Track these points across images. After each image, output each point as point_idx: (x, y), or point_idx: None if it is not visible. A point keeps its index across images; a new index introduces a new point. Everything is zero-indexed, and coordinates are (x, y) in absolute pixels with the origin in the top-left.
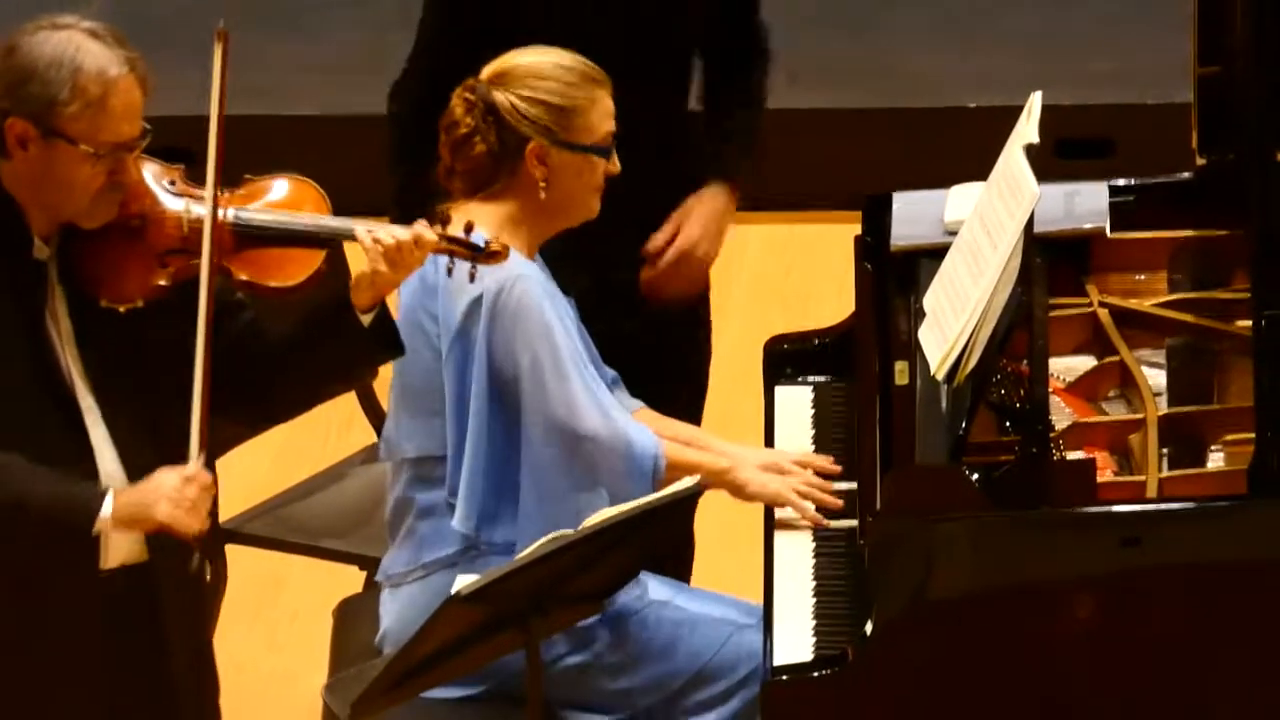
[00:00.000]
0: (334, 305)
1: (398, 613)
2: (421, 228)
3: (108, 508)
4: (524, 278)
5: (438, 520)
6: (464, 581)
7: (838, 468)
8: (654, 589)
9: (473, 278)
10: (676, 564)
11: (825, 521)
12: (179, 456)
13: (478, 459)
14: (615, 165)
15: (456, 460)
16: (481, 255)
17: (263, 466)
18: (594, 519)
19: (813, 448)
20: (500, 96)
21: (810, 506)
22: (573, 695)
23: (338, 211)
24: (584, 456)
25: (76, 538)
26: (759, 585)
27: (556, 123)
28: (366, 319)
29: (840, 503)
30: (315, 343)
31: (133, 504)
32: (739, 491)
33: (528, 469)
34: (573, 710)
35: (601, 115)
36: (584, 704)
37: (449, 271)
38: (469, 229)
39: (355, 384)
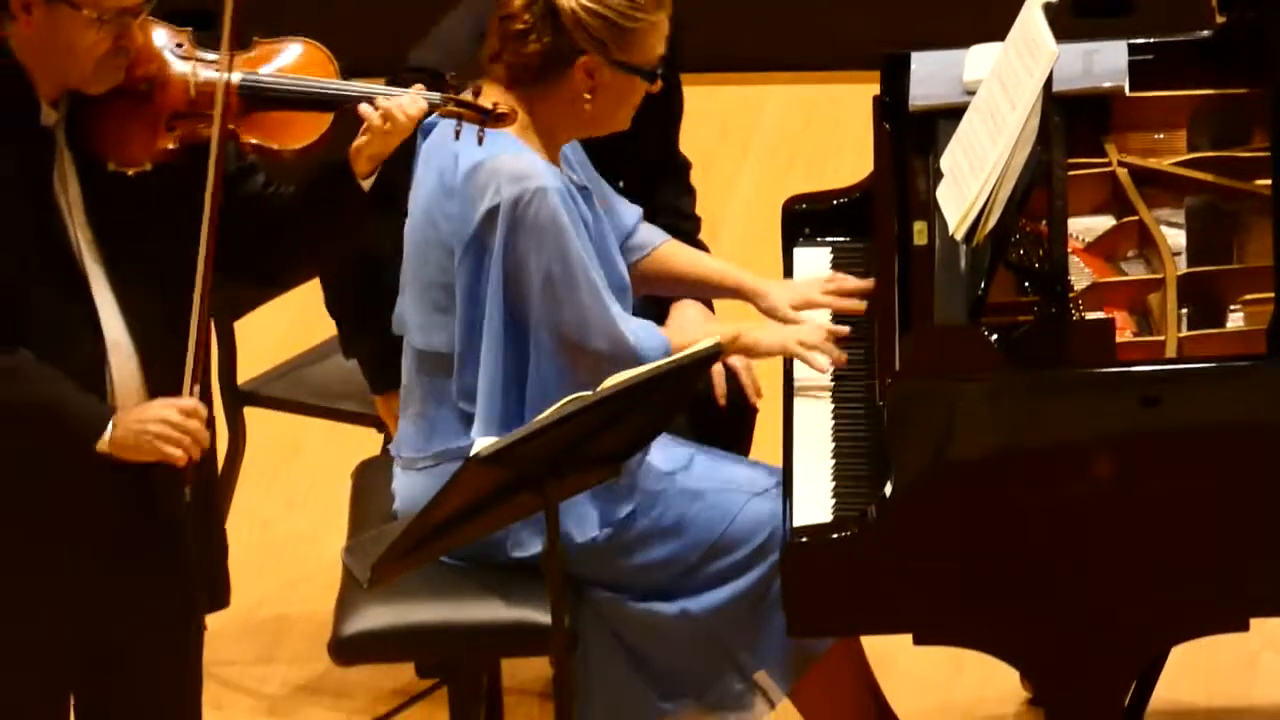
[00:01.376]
0: (333, 171)
1: (410, 496)
2: (425, 91)
3: (108, 432)
4: (543, 190)
5: (447, 410)
6: (482, 444)
7: (863, 287)
8: (669, 456)
9: (481, 140)
10: (736, 434)
11: (836, 360)
12: (186, 325)
13: (495, 370)
14: (658, 85)
15: (468, 364)
16: (490, 119)
17: (280, 329)
18: (611, 381)
19: (831, 311)
20: (565, 0)
21: (818, 356)
22: (589, 572)
23: (346, 76)
24: (592, 371)
25: (78, 449)
26: (779, 449)
27: (614, 40)
28: (367, 184)
29: (844, 356)
30: (316, 207)
31: (132, 433)
32: (750, 353)
33: (535, 380)
34: (591, 585)
35: (659, 38)
36: (602, 581)
37: (455, 134)
38: (477, 92)
39: (356, 241)
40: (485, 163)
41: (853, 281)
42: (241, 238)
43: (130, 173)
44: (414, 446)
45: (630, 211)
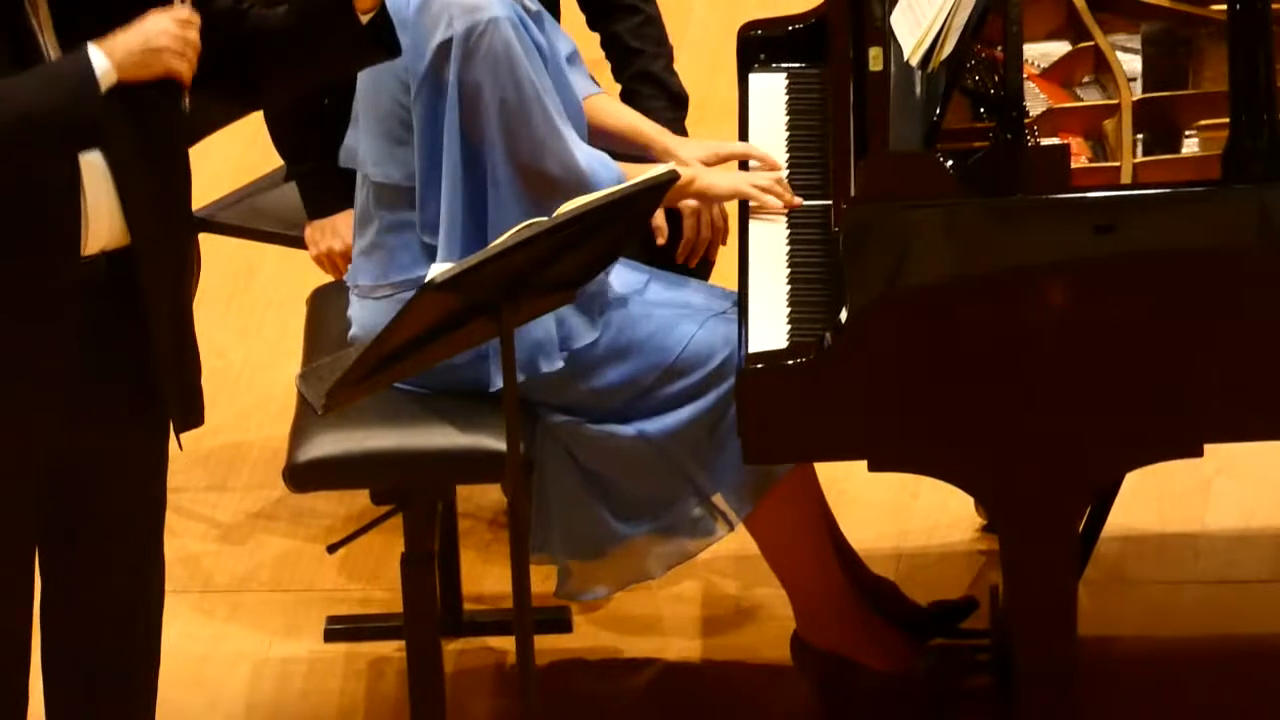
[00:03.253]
0: (334, 3)
1: (366, 324)
2: None
3: (103, 63)
4: (495, 21)
5: (405, 238)
6: (437, 270)
7: (778, 164)
8: (624, 280)
9: None
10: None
11: (789, 202)
12: (162, 144)
13: (455, 200)
14: None
15: (428, 196)
16: None
17: (235, 154)
18: (567, 206)
19: (787, 135)
20: None
21: (769, 198)
22: (545, 397)
23: None
24: (548, 196)
25: (89, 112)
26: (734, 273)
27: None
28: (365, 18)
29: (797, 199)
30: (311, 38)
31: (134, 53)
32: (704, 197)
33: (495, 208)
34: (547, 409)
35: None
36: (558, 405)
37: None
38: None
39: (346, 75)
40: None
41: (760, 150)
42: (224, 56)
43: None
44: (371, 276)
45: (562, 47)
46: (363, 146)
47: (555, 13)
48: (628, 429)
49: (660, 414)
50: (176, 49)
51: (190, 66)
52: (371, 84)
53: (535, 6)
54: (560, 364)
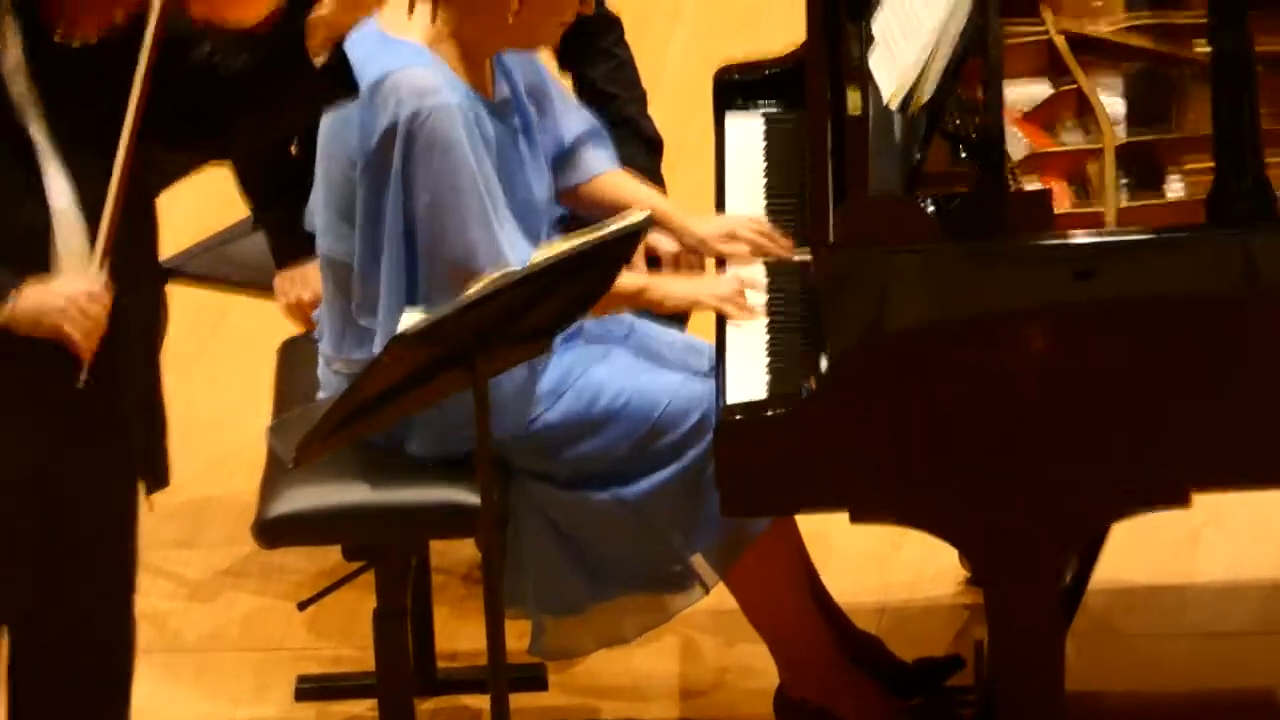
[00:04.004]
0: (287, 45)
1: (334, 389)
2: None
3: (10, 303)
4: (441, 108)
5: (350, 318)
6: (409, 319)
7: (787, 244)
8: (592, 342)
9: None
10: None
11: (749, 315)
12: (136, 195)
13: (394, 289)
14: (590, 6)
15: (366, 280)
16: None
17: (205, 203)
18: (540, 254)
19: (765, 180)
20: None
21: (734, 309)
22: (519, 462)
23: None
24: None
25: None
26: (712, 321)
27: None
28: (320, 60)
29: (757, 312)
30: (269, 81)
31: (35, 310)
32: (659, 308)
33: (424, 299)
34: (521, 473)
35: None
36: (532, 471)
37: None
38: None
39: (307, 119)
40: (390, 75)
41: (779, 238)
42: (188, 108)
43: (75, 44)
44: (329, 344)
45: (572, 126)
46: (316, 211)
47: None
48: (603, 494)
49: (636, 478)
50: (74, 317)
51: (87, 339)
52: (327, 150)
53: (505, 95)
54: (524, 429)
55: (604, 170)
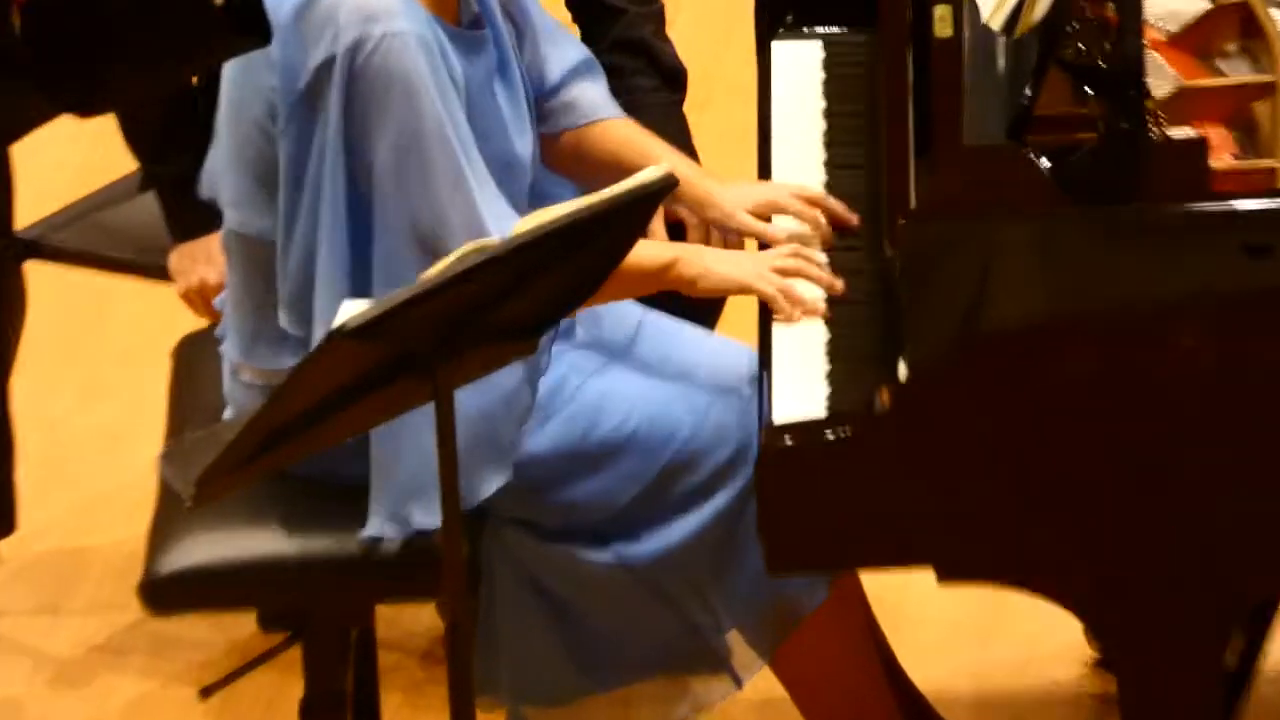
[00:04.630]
0: None
1: (243, 405)
2: None
3: None
4: (395, 34)
5: (266, 317)
6: (350, 310)
7: (854, 217)
8: (612, 318)
9: None
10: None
11: (815, 312)
12: None
13: (337, 269)
14: None
15: (293, 263)
16: None
17: (75, 155)
18: (525, 224)
19: (824, 126)
20: None
21: (788, 303)
22: (495, 507)
23: None
24: None
25: None
26: (753, 323)
27: None
28: None
29: (838, 283)
30: (155, 16)
31: None
32: (690, 289)
33: (380, 289)
34: (502, 522)
35: None
36: (512, 517)
37: None
38: None
39: (202, 69)
40: None
41: (835, 203)
42: (51, 45)
43: None
44: (236, 348)
45: (561, 59)
46: (220, 174)
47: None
48: (603, 554)
49: (648, 531)
50: None
51: None
52: (235, 95)
53: (473, 13)
54: (509, 474)
55: (602, 116)
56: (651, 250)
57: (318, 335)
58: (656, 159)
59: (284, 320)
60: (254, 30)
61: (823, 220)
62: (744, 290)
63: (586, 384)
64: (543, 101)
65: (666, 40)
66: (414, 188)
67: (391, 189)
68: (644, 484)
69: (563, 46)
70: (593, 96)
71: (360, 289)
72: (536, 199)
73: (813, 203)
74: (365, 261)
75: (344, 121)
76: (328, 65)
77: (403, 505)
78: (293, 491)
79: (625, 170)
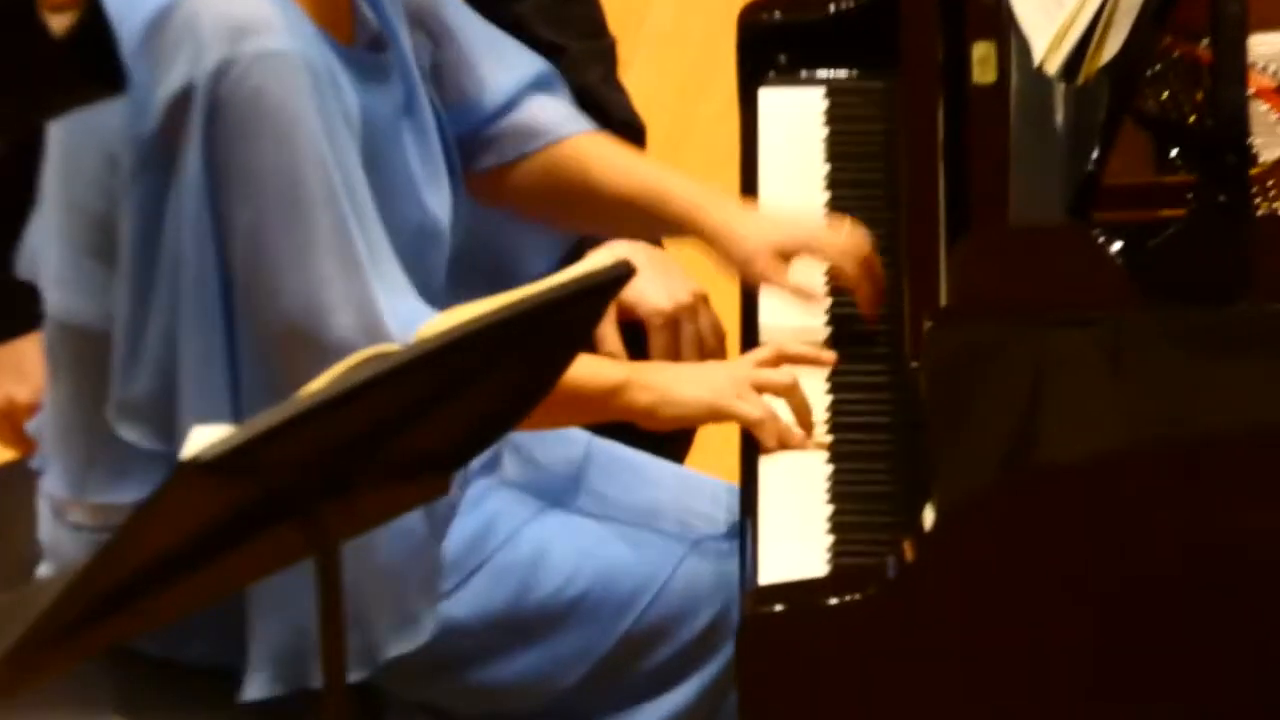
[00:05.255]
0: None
1: (65, 555)
2: None
3: None
4: (272, 55)
5: (103, 437)
6: (202, 439)
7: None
8: (520, 493)
9: None
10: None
11: (808, 443)
12: None
13: (199, 377)
14: None
15: (137, 353)
16: None
17: None
18: (435, 324)
19: (827, 196)
20: None
21: (772, 432)
22: (400, 686)
23: None
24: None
25: None
26: (733, 458)
27: None
28: (60, 23)
29: (808, 435)
30: None
31: None
32: (648, 422)
33: (247, 388)
34: (403, 705)
35: None
36: (422, 704)
37: None
38: None
39: (41, 121)
40: (183, 5)
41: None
42: None
43: None
44: (61, 482)
45: (509, 75)
46: (43, 251)
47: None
48: None
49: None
50: None
51: None
52: (65, 150)
53: (375, 30)
54: (424, 637)
55: (576, 131)
56: (593, 369)
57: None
58: (640, 178)
59: (128, 433)
60: (103, 74)
61: (868, 288)
62: (717, 416)
63: (520, 533)
64: (482, 130)
65: (619, 88)
66: (286, 262)
67: (256, 267)
68: (594, 662)
69: (509, 59)
70: (554, 113)
71: (231, 389)
72: (495, 273)
73: (862, 263)
74: (234, 357)
75: (206, 170)
76: (185, 96)
77: (294, 658)
78: (131, 675)
79: (601, 200)
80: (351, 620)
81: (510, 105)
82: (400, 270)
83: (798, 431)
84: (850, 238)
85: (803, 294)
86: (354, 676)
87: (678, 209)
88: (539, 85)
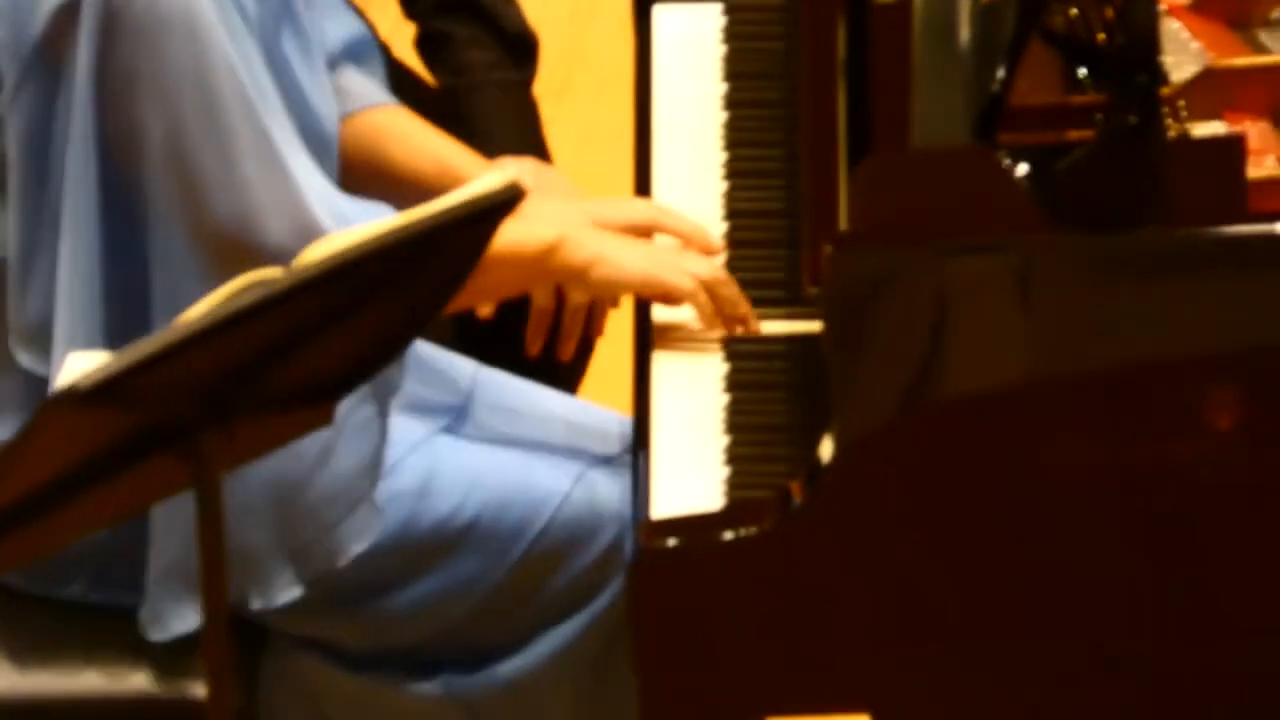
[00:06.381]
0: None
1: None
2: None
3: None
4: None
5: (2, 361)
6: (80, 366)
7: (717, 247)
8: (406, 418)
9: None
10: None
11: (742, 321)
12: None
13: (89, 291)
14: None
15: (33, 284)
16: None
17: None
18: (317, 250)
19: (725, 120)
20: None
21: (709, 303)
22: (286, 624)
23: None
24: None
25: None
26: (624, 388)
27: None
28: None
29: (748, 316)
30: None
31: None
32: (598, 284)
33: (161, 293)
34: (285, 638)
35: None
36: (302, 635)
37: None
38: None
39: None
40: None
41: (685, 223)
42: None
43: None
44: None
45: (334, 33)
46: None
47: None
48: (429, 686)
49: (492, 654)
50: None
51: None
52: None
53: None
54: (300, 589)
55: (378, 102)
56: (524, 230)
57: (61, 359)
58: (436, 153)
59: (24, 359)
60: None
61: (714, 243)
62: (650, 286)
63: (407, 459)
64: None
65: (511, 1)
66: (209, 170)
67: (179, 174)
68: (486, 590)
69: (338, 18)
70: (359, 84)
71: (121, 297)
72: None
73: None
74: (128, 269)
75: (96, 84)
76: (69, 10)
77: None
78: (16, 614)
79: (395, 177)
80: (305, 524)
81: (332, 61)
82: (315, 166)
83: (740, 309)
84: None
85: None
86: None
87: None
88: (350, 54)
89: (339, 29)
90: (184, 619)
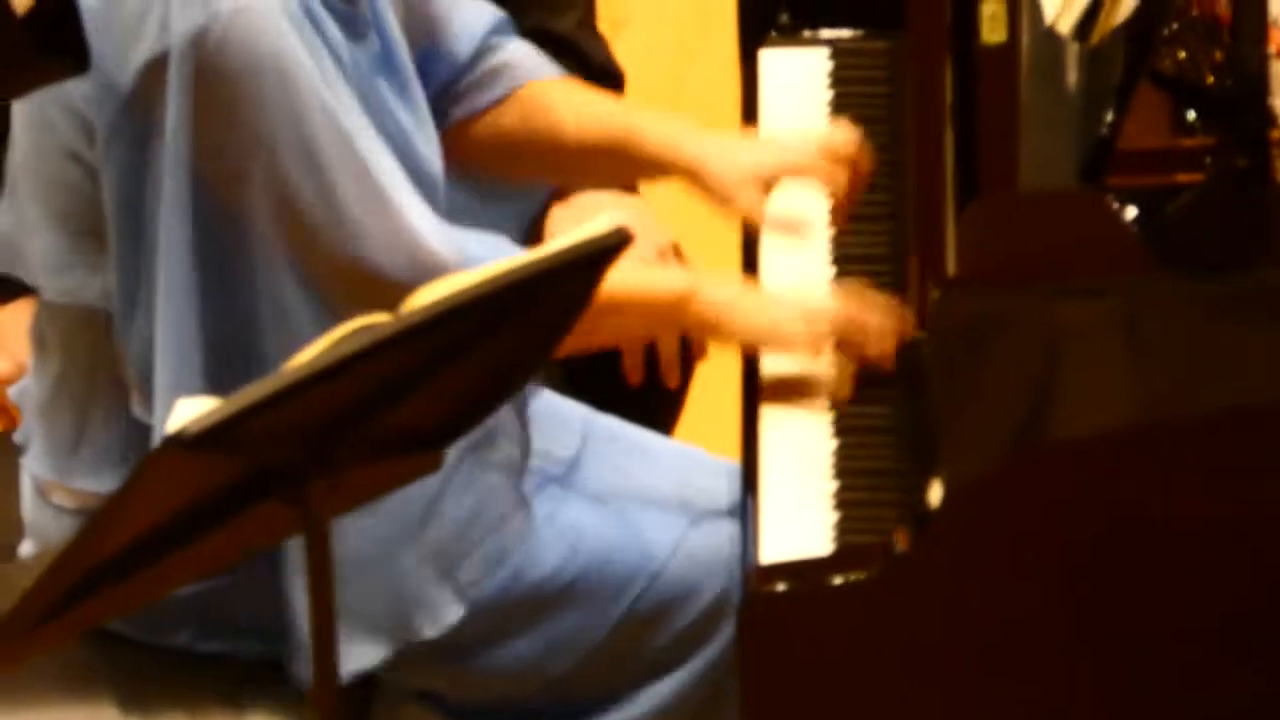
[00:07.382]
0: None
1: (48, 535)
2: None
3: None
4: (249, 9)
5: (101, 417)
6: (186, 413)
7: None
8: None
9: None
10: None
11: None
12: None
13: (185, 340)
14: None
15: (132, 330)
16: None
17: None
18: (429, 291)
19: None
20: None
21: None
22: (398, 678)
23: None
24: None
25: None
26: (732, 437)
27: None
28: (24, 1)
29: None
30: None
31: None
32: (709, 331)
33: (274, 357)
34: (399, 696)
35: None
36: (413, 691)
37: None
38: None
39: (5, 101)
40: None
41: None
42: None
43: None
44: (46, 462)
45: (474, 28)
46: (25, 235)
47: None
48: None
49: (596, 709)
50: None
51: None
52: (32, 119)
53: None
54: (462, 611)
55: (541, 74)
56: (660, 276)
57: (157, 435)
58: (612, 117)
59: (135, 408)
60: (68, 51)
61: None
62: (772, 344)
63: (513, 515)
64: (454, 82)
65: (596, 34)
66: (315, 211)
67: (279, 220)
68: (590, 647)
69: (470, 9)
70: (523, 56)
71: (229, 366)
72: None
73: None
74: (235, 329)
75: (188, 135)
76: (159, 63)
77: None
78: (117, 659)
79: (569, 146)
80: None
81: (480, 54)
82: (423, 203)
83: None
84: (831, 140)
85: (792, 227)
86: (380, 655)
87: (653, 148)
88: (501, 30)
89: (480, 14)
90: (357, 656)
